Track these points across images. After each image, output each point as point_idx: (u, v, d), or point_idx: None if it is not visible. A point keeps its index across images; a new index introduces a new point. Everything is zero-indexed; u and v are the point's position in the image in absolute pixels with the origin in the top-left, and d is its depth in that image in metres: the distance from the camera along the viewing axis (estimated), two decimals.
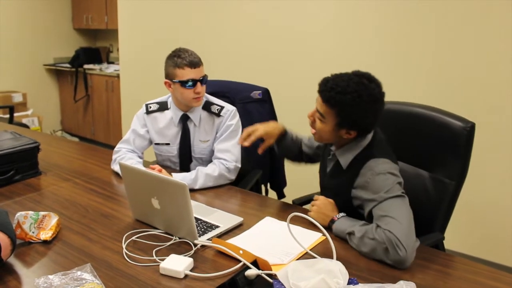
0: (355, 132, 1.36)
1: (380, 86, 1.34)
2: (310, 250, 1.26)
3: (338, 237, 1.34)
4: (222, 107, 1.93)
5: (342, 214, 1.39)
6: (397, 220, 1.21)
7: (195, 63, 1.78)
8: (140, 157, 1.99)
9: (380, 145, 1.42)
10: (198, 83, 1.79)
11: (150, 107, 1.98)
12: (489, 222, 2.39)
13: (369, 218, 1.35)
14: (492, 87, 2.30)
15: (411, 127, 1.64)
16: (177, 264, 1.14)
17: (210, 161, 1.97)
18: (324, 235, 1.23)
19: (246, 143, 1.62)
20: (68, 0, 5.36)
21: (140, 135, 1.97)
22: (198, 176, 1.76)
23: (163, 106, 1.97)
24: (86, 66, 5.00)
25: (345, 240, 1.33)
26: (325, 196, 1.47)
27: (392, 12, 2.52)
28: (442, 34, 2.38)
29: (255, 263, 1.13)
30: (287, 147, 1.72)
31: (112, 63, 5.20)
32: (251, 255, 1.16)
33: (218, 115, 1.91)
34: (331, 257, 1.23)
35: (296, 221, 1.47)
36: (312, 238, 1.35)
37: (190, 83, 1.78)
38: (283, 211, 1.59)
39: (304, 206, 1.85)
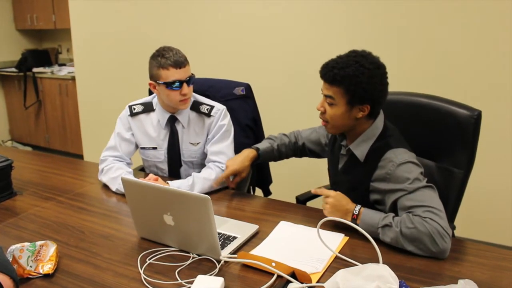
0: (368, 106, 1.32)
1: (378, 57, 1.34)
2: (338, 253, 1.21)
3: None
4: (212, 107, 1.82)
5: (359, 206, 1.33)
6: (436, 209, 1.20)
7: (180, 63, 1.66)
8: (129, 164, 1.85)
9: (395, 135, 1.40)
10: (185, 84, 1.68)
11: (134, 109, 1.85)
12: (497, 206, 2.43)
13: (391, 210, 1.32)
14: (496, 74, 2.29)
15: (416, 117, 1.61)
16: (208, 286, 1.03)
17: (201, 164, 1.87)
18: (370, 241, 1.17)
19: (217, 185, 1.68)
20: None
21: (126, 139, 1.84)
22: (195, 182, 1.65)
23: (148, 108, 1.84)
24: (35, 69, 4.63)
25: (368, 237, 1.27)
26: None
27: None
28: (444, 21, 2.33)
29: (293, 275, 1.05)
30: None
31: (64, 65, 4.85)
32: (287, 267, 1.08)
33: (208, 115, 1.81)
34: (364, 259, 1.18)
35: (311, 222, 1.42)
36: (336, 240, 1.29)
37: (175, 84, 1.66)
38: (294, 213, 1.52)
39: (308, 203, 1.80)
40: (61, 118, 4.60)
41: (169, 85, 1.66)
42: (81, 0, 3.58)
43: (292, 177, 2.67)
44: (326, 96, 1.34)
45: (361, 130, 1.38)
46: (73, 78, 4.20)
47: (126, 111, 1.85)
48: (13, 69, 4.75)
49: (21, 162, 2.03)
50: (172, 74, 1.65)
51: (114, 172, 1.72)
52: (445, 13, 2.33)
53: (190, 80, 1.70)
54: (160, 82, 1.67)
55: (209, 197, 1.08)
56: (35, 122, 4.88)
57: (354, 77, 1.27)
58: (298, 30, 2.74)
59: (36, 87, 4.63)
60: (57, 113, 4.62)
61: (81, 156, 4.17)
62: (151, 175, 1.64)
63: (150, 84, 1.74)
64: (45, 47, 5.11)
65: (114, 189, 1.69)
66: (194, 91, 1.84)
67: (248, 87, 2.08)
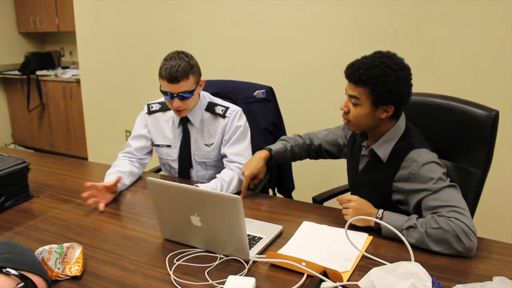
0: (392, 107, 1.33)
1: (402, 59, 1.35)
2: (365, 252, 1.22)
3: (386, 235, 1.30)
4: (227, 108, 1.83)
5: (382, 209, 1.34)
6: (461, 208, 1.22)
7: (173, 79, 1.61)
8: (141, 159, 1.87)
9: (417, 135, 1.41)
10: (176, 99, 1.66)
11: (152, 107, 1.89)
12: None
13: (415, 210, 1.32)
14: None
15: (433, 117, 1.62)
16: (240, 286, 1.03)
17: (214, 165, 1.87)
18: (392, 240, 1.17)
19: (244, 194, 1.66)
20: (11, 3, 4.91)
21: (141, 135, 1.88)
22: (223, 185, 1.65)
23: (165, 106, 1.86)
24: (38, 72, 4.61)
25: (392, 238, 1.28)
26: (359, 193, 1.42)
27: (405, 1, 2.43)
28: (461, 21, 2.32)
29: (325, 274, 1.06)
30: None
31: (67, 67, 4.84)
32: (318, 266, 1.08)
33: (223, 116, 1.81)
34: (390, 258, 1.19)
35: (333, 222, 1.42)
36: (361, 239, 1.29)
37: (167, 95, 1.67)
38: (314, 213, 1.52)
39: (324, 204, 1.80)
40: (65, 121, 4.59)
41: (163, 93, 1.68)
42: (86, 3, 3.58)
43: (306, 177, 2.67)
44: (350, 96, 1.35)
45: (384, 130, 1.39)
46: (77, 81, 4.19)
47: (145, 109, 1.90)
48: (16, 72, 4.73)
49: (34, 165, 2.01)
50: (164, 86, 1.65)
51: (112, 168, 1.77)
52: (460, 12, 2.32)
53: (184, 95, 1.65)
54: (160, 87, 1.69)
55: (240, 197, 1.08)
56: (38, 125, 4.86)
57: (380, 77, 1.28)
58: (325, 34, 2.70)
59: (39, 90, 4.62)
60: (61, 116, 4.61)
61: (85, 159, 4.16)
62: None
63: None
64: (47, 50, 5.10)
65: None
66: (216, 94, 1.86)
67: (269, 90, 2.08)
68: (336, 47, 2.67)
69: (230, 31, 3.00)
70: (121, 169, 1.75)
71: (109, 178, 1.68)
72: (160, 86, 1.67)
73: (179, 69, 1.60)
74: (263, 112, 2.06)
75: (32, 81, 4.64)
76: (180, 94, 1.64)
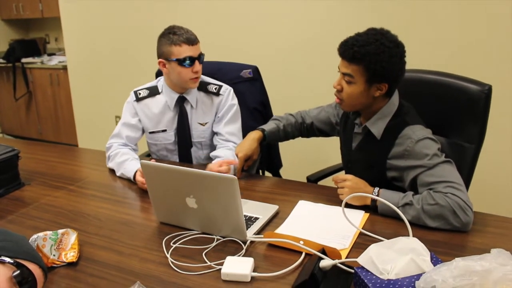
0: (386, 85, 1.32)
1: (396, 36, 1.33)
2: (362, 229, 1.22)
3: (383, 213, 1.30)
4: (220, 86, 1.83)
5: (377, 188, 1.34)
6: (456, 183, 1.22)
7: (192, 40, 1.67)
8: (135, 150, 1.84)
9: (411, 112, 1.40)
10: (196, 61, 1.68)
11: (140, 94, 1.83)
12: (509, 180, 2.41)
13: (410, 186, 1.32)
14: (506, 48, 2.26)
15: (426, 94, 1.61)
16: (240, 266, 1.03)
17: (210, 145, 1.86)
18: (388, 217, 1.18)
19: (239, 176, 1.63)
20: None
21: (132, 125, 1.82)
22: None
23: (153, 91, 1.83)
24: (24, 60, 4.51)
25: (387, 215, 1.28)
26: (353, 172, 1.42)
27: None
28: None
29: (323, 252, 1.05)
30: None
31: (53, 54, 4.73)
32: (316, 244, 1.08)
33: (217, 94, 1.81)
34: (386, 234, 1.19)
35: (329, 201, 1.42)
36: (357, 217, 1.29)
37: (188, 61, 1.66)
38: (309, 192, 1.52)
39: (319, 183, 1.80)
40: (53, 108, 4.52)
41: (181, 62, 1.66)
42: None
43: (299, 157, 2.66)
44: (344, 74, 1.33)
45: (377, 108, 1.37)
46: (64, 68, 4.11)
47: (132, 96, 1.83)
48: (1, 60, 4.62)
49: (24, 153, 1.97)
50: (185, 51, 1.65)
51: (120, 157, 1.70)
52: None
53: (201, 57, 1.71)
54: (171, 59, 1.67)
55: (236, 177, 1.07)
56: (26, 114, 4.78)
57: (375, 55, 1.26)
58: (305, 11, 2.67)
59: (25, 78, 4.52)
60: (49, 103, 4.53)
61: (76, 146, 4.11)
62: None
63: (159, 63, 1.73)
64: (32, 37, 4.98)
65: (118, 174, 1.68)
66: (203, 74, 1.82)
67: (255, 70, 2.06)
68: (322, 23, 2.63)
69: (211, 11, 2.96)
70: (134, 156, 1.72)
71: (131, 165, 1.63)
72: (174, 57, 1.66)
73: (191, 33, 1.68)
74: (250, 92, 2.04)
75: (18, 69, 4.54)
76: (200, 55, 1.69)
